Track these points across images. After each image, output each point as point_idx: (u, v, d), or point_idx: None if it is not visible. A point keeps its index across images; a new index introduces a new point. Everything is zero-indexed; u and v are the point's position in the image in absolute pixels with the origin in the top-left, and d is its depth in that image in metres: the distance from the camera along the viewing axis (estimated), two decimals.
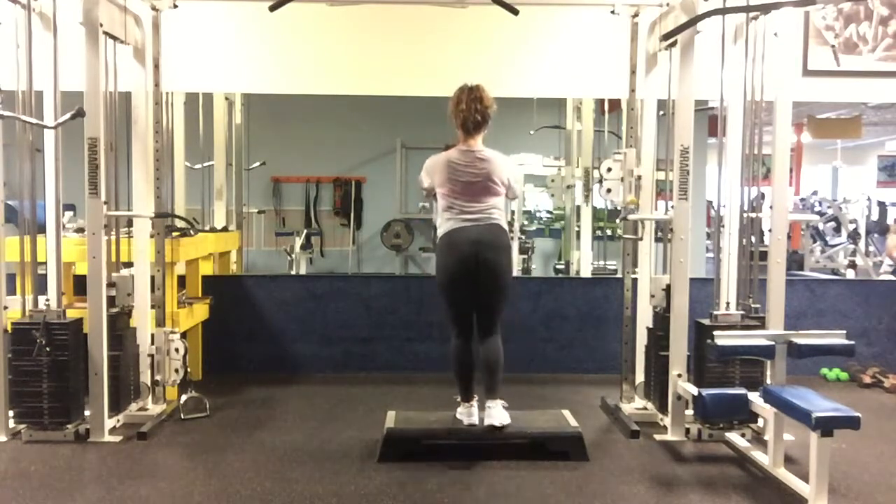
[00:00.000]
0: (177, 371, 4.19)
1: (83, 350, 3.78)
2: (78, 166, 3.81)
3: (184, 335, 4.36)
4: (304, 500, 3.09)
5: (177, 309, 4.59)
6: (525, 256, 7.79)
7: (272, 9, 3.85)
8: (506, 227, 3.63)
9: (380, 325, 5.36)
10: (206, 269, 5.49)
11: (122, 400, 4.03)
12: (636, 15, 4.27)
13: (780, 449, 3.39)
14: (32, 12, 3.73)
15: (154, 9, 4.20)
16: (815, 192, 13.82)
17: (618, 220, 6.39)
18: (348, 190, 9.60)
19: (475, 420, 3.62)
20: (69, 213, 4.65)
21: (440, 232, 3.61)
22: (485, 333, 3.66)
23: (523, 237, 7.99)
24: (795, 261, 9.70)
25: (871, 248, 10.76)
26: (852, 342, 3.44)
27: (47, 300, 3.82)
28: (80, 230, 4.43)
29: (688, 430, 3.88)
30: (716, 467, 3.54)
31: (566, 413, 3.86)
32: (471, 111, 3.50)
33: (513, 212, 8.22)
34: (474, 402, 3.67)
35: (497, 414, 3.60)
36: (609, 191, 4.25)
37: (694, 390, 3.65)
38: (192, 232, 4.78)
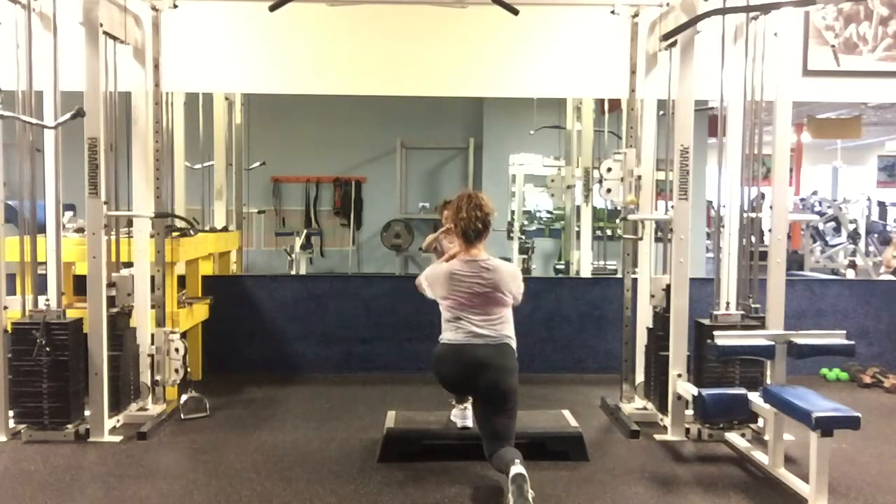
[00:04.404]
0: (177, 371, 4.20)
1: (83, 350, 3.78)
2: (78, 166, 3.81)
3: (184, 335, 4.36)
4: (304, 500, 3.09)
5: (177, 309, 4.58)
6: (525, 256, 7.79)
7: (272, 9, 3.85)
8: (514, 345, 3.39)
9: (380, 325, 5.36)
10: (206, 269, 5.49)
11: (122, 400, 4.03)
12: (636, 15, 4.27)
13: (780, 449, 3.39)
14: (32, 12, 3.73)
15: (154, 9, 4.20)
16: (815, 192, 13.82)
17: (618, 220, 6.40)
18: (348, 190, 9.61)
19: (469, 423, 3.62)
20: (69, 213, 4.65)
21: (444, 337, 3.40)
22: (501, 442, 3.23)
23: (523, 237, 8.00)
24: (795, 261, 9.70)
25: (871, 248, 10.76)
26: (852, 342, 3.44)
27: (47, 300, 3.82)
28: (80, 230, 4.42)
29: (688, 430, 3.88)
30: (716, 467, 3.54)
31: (566, 413, 3.86)
32: (471, 219, 3.31)
33: (513, 212, 8.24)
34: (468, 404, 3.64)
35: None
36: (609, 191, 4.25)
37: (694, 390, 3.64)
38: (191, 232, 4.78)
